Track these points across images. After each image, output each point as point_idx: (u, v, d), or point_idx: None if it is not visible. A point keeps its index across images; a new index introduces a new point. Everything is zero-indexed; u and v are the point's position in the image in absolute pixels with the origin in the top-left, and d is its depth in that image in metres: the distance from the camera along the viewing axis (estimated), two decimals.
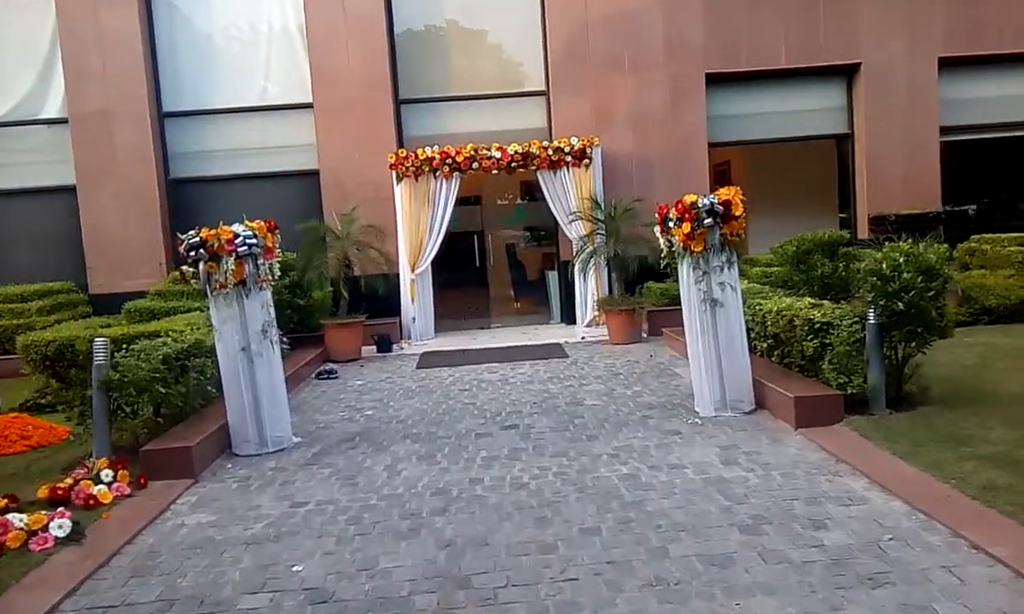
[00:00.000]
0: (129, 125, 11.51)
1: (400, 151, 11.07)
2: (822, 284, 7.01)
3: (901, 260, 5.45)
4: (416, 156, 10.94)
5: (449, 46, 12.22)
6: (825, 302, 6.45)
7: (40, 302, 10.58)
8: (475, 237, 13.05)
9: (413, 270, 11.11)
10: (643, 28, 11.54)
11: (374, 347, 10.56)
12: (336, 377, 8.93)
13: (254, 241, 5.80)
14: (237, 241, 5.73)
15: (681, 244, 6.04)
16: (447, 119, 12.00)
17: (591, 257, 10.24)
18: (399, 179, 11.10)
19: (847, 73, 11.90)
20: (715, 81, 11.67)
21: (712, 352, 6.13)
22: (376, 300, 10.54)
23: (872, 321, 5.57)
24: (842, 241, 7.27)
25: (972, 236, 11.02)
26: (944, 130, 11.77)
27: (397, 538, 4.16)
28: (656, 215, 6.34)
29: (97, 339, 5.64)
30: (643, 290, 10.82)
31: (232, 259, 5.71)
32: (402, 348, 10.72)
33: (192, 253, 5.69)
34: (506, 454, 5.55)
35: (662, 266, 10.52)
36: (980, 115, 12.01)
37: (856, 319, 5.65)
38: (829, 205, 12.78)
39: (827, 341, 5.78)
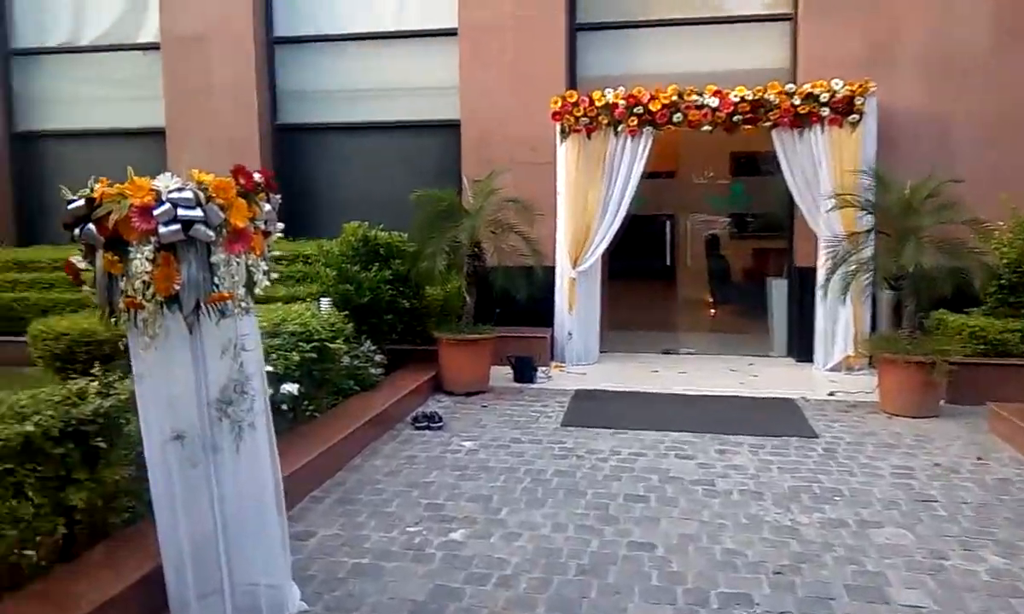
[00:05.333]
0: None
1: (569, 93, 7.70)
2: None
3: None
4: (591, 102, 7.54)
5: None
6: None
7: None
8: (666, 223, 9.45)
9: (575, 265, 7.77)
10: None
11: (510, 371, 7.39)
12: (439, 426, 5.82)
13: (195, 213, 2.65)
14: (158, 211, 2.61)
15: None
16: (638, 54, 8.42)
17: (865, 270, 6.24)
18: (564, 134, 7.77)
19: None
20: None
21: None
22: (513, 305, 7.24)
23: None
24: None
25: None
26: None
27: None
28: None
29: None
30: (932, 325, 6.75)
31: (148, 249, 2.64)
32: (549, 377, 7.44)
33: (77, 230, 2.70)
34: None
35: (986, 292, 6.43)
36: None
37: None
38: None
39: None
